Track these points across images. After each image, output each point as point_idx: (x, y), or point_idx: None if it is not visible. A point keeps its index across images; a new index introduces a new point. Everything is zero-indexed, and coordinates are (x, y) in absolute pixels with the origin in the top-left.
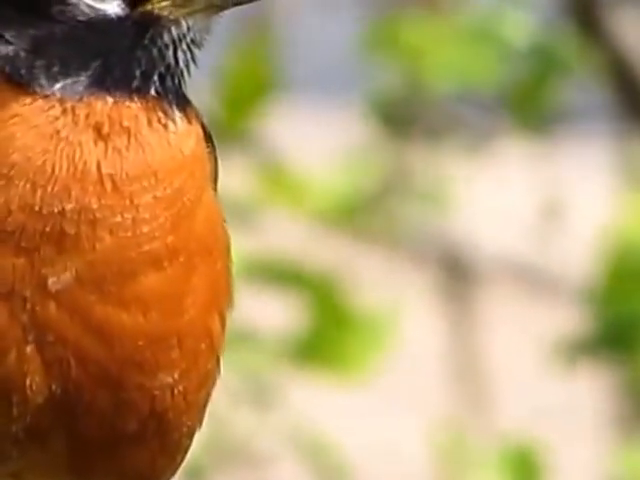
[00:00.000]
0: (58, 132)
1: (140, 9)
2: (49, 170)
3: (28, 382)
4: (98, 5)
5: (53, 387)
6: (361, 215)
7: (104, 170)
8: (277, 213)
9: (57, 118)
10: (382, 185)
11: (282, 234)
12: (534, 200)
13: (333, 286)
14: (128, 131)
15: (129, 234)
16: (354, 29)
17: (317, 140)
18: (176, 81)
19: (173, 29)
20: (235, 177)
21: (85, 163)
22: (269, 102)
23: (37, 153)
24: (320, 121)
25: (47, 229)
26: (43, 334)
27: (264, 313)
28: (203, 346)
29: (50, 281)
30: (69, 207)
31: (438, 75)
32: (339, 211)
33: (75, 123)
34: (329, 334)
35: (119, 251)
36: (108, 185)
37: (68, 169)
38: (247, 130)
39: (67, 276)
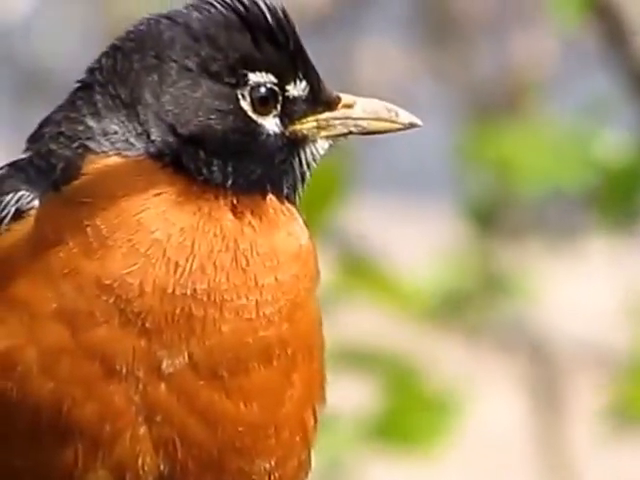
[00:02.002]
0: (199, 208)
1: (291, 128)
2: (189, 247)
3: (140, 462)
4: (261, 120)
5: (161, 467)
6: (448, 307)
7: (239, 245)
8: (361, 304)
9: (202, 197)
10: (469, 279)
11: (364, 323)
12: (617, 293)
13: (411, 370)
14: (260, 215)
15: (252, 316)
16: (443, 131)
17: (407, 236)
18: (301, 187)
19: (313, 148)
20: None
21: (222, 239)
22: (352, 197)
23: (178, 230)
24: (407, 218)
25: (176, 311)
26: (152, 414)
27: (344, 396)
28: (298, 438)
29: (164, 364)
30: (201, 288)
31: (526, 179)
32: (427, 303)
33: (216, 204)
34: (406, 416)
35: (237, 336)
36: (241, 261)
37: (206, 245)
38: (332, 223)
39: (181, 360)
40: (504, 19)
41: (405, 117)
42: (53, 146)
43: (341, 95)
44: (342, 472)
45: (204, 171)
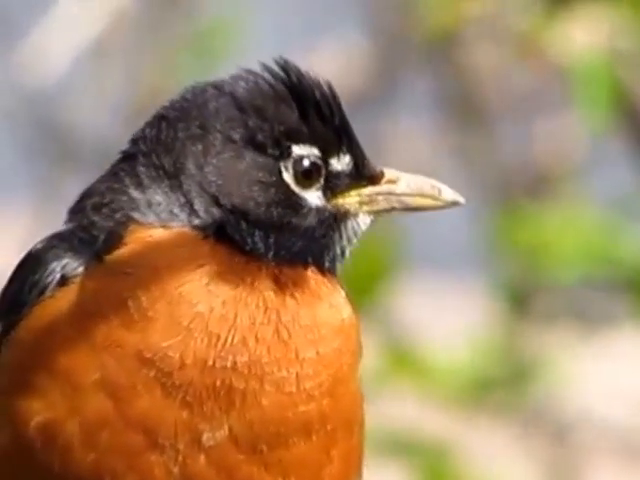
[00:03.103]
0: (241, 279)
1: (333, 201)
2: (231, 320)
3: None
4: (303, 194)
5: None
6: (481, 392)
7: (281, 317)
8: (398, 387)
9: (243, 268)
10: (500, 362)
11: (399, 406)
12: None
13: (447, 456)
14: (302, 287)
15: (293, 390)
16: (468, 213)
17: (439, 317)
18: (341, 260)
19: (355, 222)
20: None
21: (265, 311)
22: (391, 279)
23: (220, 303)
24: (440, 298)
25: (217, 384)
26: None
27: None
28: None
29: (205, 437)
30: (242, 360)
31: (556, 266)
32: (458, 388)
33: (259, 276)
34: None
35: (278, 410)
36: (283, 334)
37: (248, 317)
38: (370, 306)
39: (221, 433)
40: (532, 104)
41: (449, 195)
42: (95, 217)
43: (385, 170)
44: None
45: (248, 241)
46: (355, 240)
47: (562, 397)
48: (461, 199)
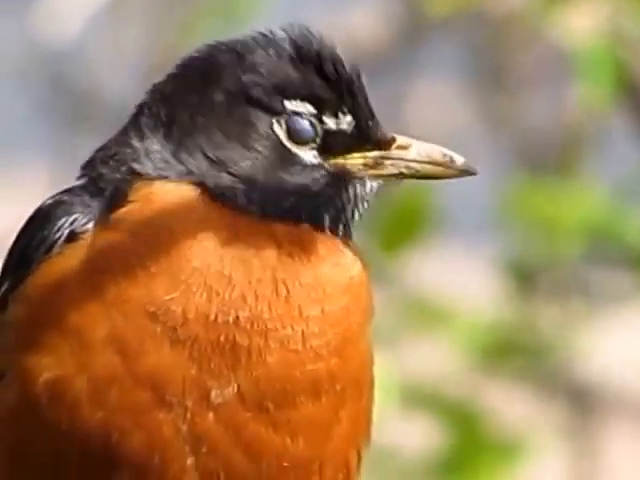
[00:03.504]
0: (238, 237)
1: (333, 161)
2: (227, 275)
3: None
4: (296, 150)
5: None
6: (498, 352)
7: (278, 275)
8: (417, 343)
9: (240, 225)
10: (511, 332)
11: (423, 361)
12: None
13: (470, 412)
14: (302, 244)
15: (299, 347)
16: (491, 178)
17: (455, 282)
18: (348, 225)
19: (359, 187)
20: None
21: (262, 268)
22: (421, 240)
23: (217, 257)
24: (457, 263)
25: (221, 339)
26: (198, 445)
27: (405, 434)
28: (341, 476)
29: (213, 394)
30: (243, 316)
31: (566, 238)
32: (477, 346)
33: (256, 232)
34: (465, 457)
35: (284, 368)
36: (282, 291)
37: (245, 274)
38: (398, 264)
39: (230, 391)
40: (560, 71)
41: (460, 164)
42: (103, 170)
43: (397, 136)
44: None
45: (228, 194)
46: (364, 204)
47: (575, 367)
48: (474, 168)
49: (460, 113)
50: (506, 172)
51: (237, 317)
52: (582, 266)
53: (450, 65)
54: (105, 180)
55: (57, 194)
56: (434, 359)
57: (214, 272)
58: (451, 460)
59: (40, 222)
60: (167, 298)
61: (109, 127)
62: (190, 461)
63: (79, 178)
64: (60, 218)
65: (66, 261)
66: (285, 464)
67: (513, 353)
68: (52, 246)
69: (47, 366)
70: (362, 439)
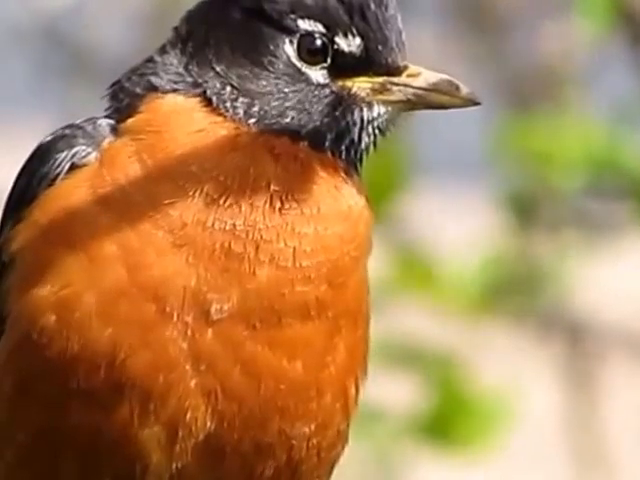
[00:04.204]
0: (236, 146)
1: (340, 83)
2: (222, 181)
3: (191, 416)
4: (305, 69)
5: (208, 424)
6: (490, 296)
7: (273, 187)
8: (407, 296)
9: (239, 136)
10: (511, 269)
11: (411, 317)
12: None
13: (455, 367)
14: (301, 161)
15: (288, 265)
16: (478, 120)
17: (449, 223)
18: (355, 155)
19: (365, 110)
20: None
21: (256, 178)
22: (404, 188)
23: (213, 164)
24: (452, 205)
25: (216, 245)
26: (197, 362)
27: (390, 392)
28: (338, 405)
29: (213, 308)
30: (238, 223)
31: (561, 172)
32: (468, 294)
33: (254, 143)
34: (451, 413)
35: (273, 285)
36: (276, 203)
37: (240, 182)
38: (382, 214)
39: (229, 306)
40: (539, 8)
41: (465, 93)
42: (126, 84)
43: (410, 65)
44: (387, 468)
45: (228, 106)
46: (372, 129)
47: (572, 301)
48: (477, 98)
49: (442, 54)
50: (495, 112)
51: (234, 225)
52: (580, 199)
53: (429, 6)
54: (125, 92)
55: (59, 129)
56: (424, 314)
57: (211, 178)
58: (433, 419)
59: (40, 158)
60: (166, 202)
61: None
62: (194, 383)
63: (107, 92)
64: (61, 151)
65: (72, 182)
66: (282, 387)
67: (512, 289)
68: (54, 181)
69: (56, 287)
70: (360, 370)
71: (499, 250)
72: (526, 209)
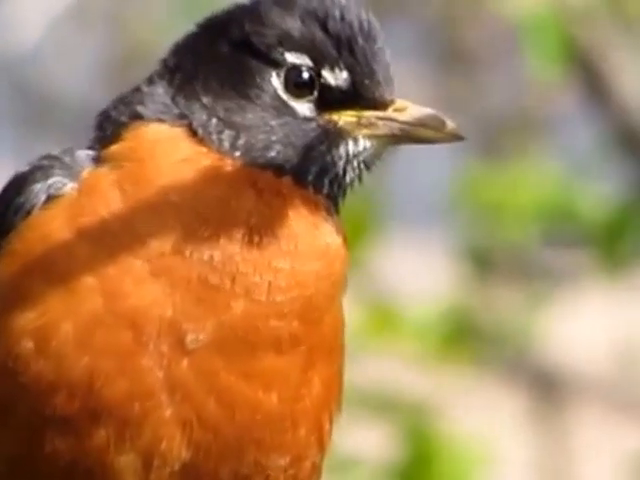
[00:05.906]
0: (219, 178)
1: (327, 116)
2: (202, 212)
3: (166, 445)
4: (291, 102)
5: (184, 454)
6: (451, 344)
7: (252, 220)
8: (373, 343)
9: (223, 168)
10: (469, 317)
11: (377, 363)
12: (616, 328)
13: (427, 415)
14: (283, 196)
15: (262, 298)
16: (447, 163)
17: (417, 270)
18: (338, 189)
19: (351, 144)
20: None
21: (237, 211)
22: (372, 234)
23: (195, 195)
24: (418, 250)
25: (193, 276)
26: (173, 392)
27: (363, 439)
28: (313, 438)
29: (189, 338)
30: (216, 254)
31: (515, 222)
32: (429, 342)
33: (237, 176)
34: (424, 460)
35: (247, 318)
36: (254, 237)
37: (220, 214)
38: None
39: (204, 336)
40: (510, 49)
41: (451, 128)
42: (112, 112)
43: (397, 99)
44: None
45: (214, 139)
46: (357, 163)
47: (538, 348)
48: (462, 134)
49: (414, 94)
50: (457, 157)
51: (211, 256)
52: (539, 248)
53: (404, 47)
54: (110, 121)
55: (36, 159)
56: (391, 361)
57: (191, 209)
58: (407, 466)
59: (16, 188)
60: (145, 231)
61: (70, 130)
62: (169, 412)
63: (94, 121)
64: (37, 182)
65: (50, 213)
66: (258, 417)
67: (474, 339)
68: (29, 212)
69: (33, 316)
70: (334, 404)
71: (459, 299)
72: (483, 260)
